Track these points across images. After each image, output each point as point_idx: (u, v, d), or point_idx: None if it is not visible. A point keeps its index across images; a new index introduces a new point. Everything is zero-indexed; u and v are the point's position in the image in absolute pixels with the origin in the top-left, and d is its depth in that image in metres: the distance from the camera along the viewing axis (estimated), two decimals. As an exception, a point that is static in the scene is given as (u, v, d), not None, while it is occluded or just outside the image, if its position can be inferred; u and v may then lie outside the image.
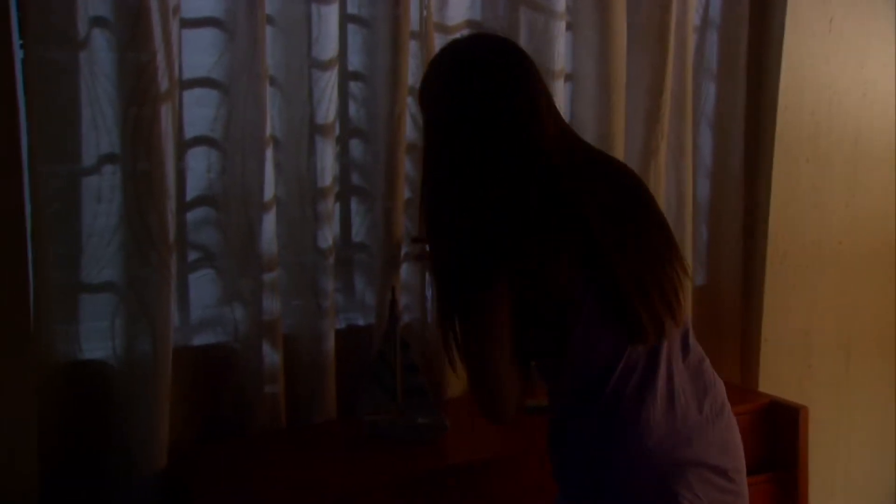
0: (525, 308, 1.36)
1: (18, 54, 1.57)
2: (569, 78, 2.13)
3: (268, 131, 1.76)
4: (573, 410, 1.41)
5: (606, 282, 1.35)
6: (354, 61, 1.90)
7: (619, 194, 1.42)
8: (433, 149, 1.43)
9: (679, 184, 2.29)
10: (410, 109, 1.90)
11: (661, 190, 2.23)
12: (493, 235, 1.33)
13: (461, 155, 1.37)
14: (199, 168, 1.79)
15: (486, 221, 1.34)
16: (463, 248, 1.35)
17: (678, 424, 1.39)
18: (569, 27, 2.10)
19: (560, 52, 2.04)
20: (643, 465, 1.36)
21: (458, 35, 1.92)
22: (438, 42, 1.95)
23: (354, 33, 1.89)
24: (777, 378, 2.45)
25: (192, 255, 1.82)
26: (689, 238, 2.31)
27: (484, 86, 1.36)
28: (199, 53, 1.75)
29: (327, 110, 1.83)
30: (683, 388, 1.41)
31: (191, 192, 1.80)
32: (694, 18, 2.27)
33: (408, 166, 1.92)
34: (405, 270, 1.97)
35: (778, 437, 1.99)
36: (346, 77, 1.90)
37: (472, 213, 1.35)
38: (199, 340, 1.83)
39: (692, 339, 1.47)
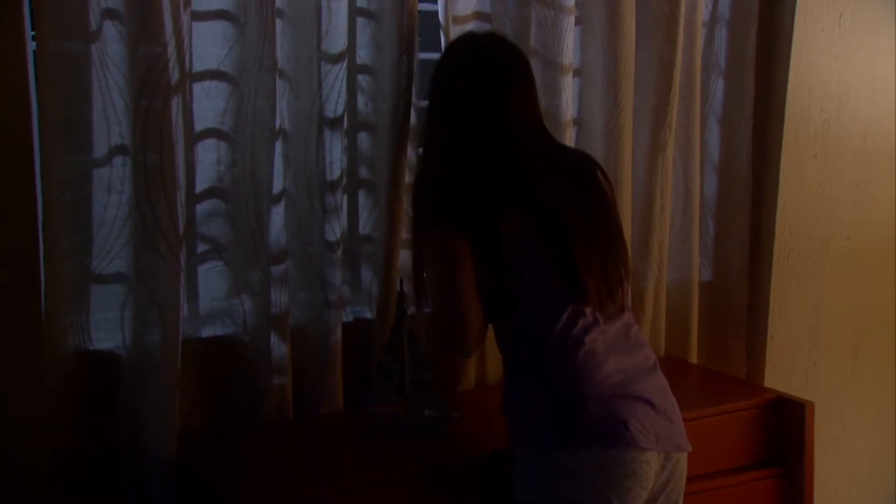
0: (484, 253, 1.57)
1: (30, 46, 1.58)
2: (577, 72, 2.13)
3: (277, 124, 1.77)
4: (525, 354, 1.58)
5: (558, 240, 1.57)
6: (363, 55, 1.90)
7: (577, 183, 1.65)
8: (427, 118, 1.73)
9: (686, 179, 2.29)
10: (417, 104, 1.90)
11: (669, 184, 2.23)
12: (459, 190, 1.59)
13: (445, 128, 1.67)
14: (209, 160, 1.80)
15: (455, 178, 1.60)
16: (434, 194, 1.62)
17: (622, 364, 1.57)
18: (577, 22, 2.10)
19: (569, 47, 2.04)
20: (592, 395, 1.52)
21: (471, 28, 1.94)
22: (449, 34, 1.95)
23: (363, 27, 1.89)
24: (783, 374, 2.45)
25: (201, 247, 1.83)
26: (696, 233, 2.31)
27: (468, 79, 1.65)
28: (210, 46, 1.75)
29: (336, 103, 1.83)
30: (621, 339, 1.60)
31: (200, 184, 1.80)
32: (703, 13, 2.26)
33: (414, 161, 1.93)
34: (405, 257, 1.96)
35: (783, 432, 2.00)
36: (354, 70, 1.91)
37: (445, 172, 1.63)
38: (207, 332, 1.84)
39: (628, 313, 1.66)
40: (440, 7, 1.95)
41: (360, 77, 1.92)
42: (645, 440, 1.51)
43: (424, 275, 1.69)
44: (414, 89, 1.89)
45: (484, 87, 1.63)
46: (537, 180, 1.61)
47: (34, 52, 1.58)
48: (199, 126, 1.78)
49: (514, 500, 1.57)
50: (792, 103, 2.36)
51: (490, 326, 1.68)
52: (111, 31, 1.61)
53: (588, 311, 1.57)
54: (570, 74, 2.07)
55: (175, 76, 1.63)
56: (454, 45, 1.78)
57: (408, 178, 1.93)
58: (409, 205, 1.83)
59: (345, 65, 1.84)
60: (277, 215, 1.80)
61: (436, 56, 1.84)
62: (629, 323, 1.65)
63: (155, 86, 1.61)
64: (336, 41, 1.82)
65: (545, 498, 1.53)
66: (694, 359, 2.33)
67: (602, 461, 1.50)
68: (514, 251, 1.57)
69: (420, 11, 2.03)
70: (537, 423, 1.55)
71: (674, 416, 1.59)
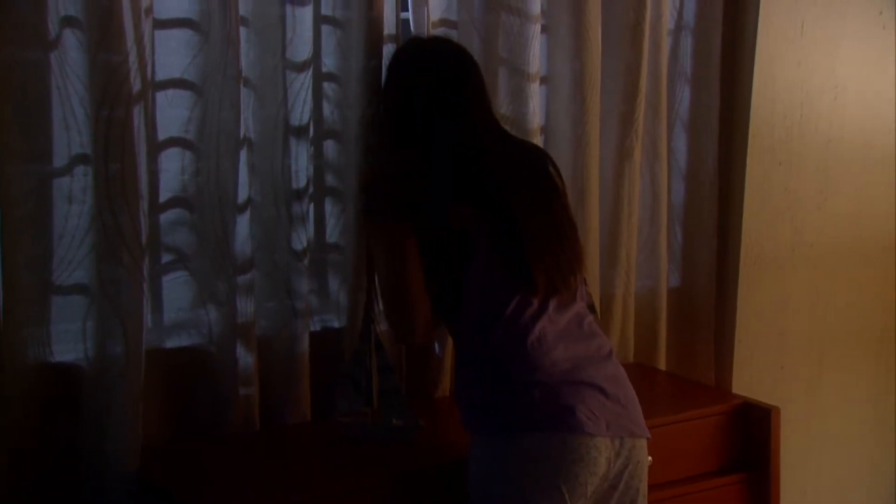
0: (431, 246, 1.59)
1: (-12, 54, 1.56)
2: (544, 80, 2.14)
3: (242, 133, 1.76)
4: (474, 344, 1.60)
5: (506, 233, 1.58)
6: (328, 63, 1.90)
7: (526, 175, 1.66)
8: (381, 117, 1.80)
9: (654, 185, 2.30)
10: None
11: (636, 191, 2.24)
12: (409, 184, 1.62)
13: (397, 127, 1.73)
14: (173, 169, 1.78)
15: (406, 173, 1.63)
16: (384, 186, 1.65)
17: (572, 352, 1.57)
18: (544, 30, 2.11)
19: (535, 55, 2.05)
20: (540, 381, 1.53)
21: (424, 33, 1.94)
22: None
23: (328, 34, 1.89)
24: (750, 379, 2.47)
25: (166, 257, 1.81)
26: (664, 239, 2.32)
27: (420, 79, 1.71)
28: (173, 54, 1.74)
29: (302, 112, 1.83)
30: (573, 329, 1.61)
31: (164, 194, 1.78)
32: (668, 21, 2.28)
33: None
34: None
35: (750, 437, 2.01)
36: (319, 78, 1.90)
37: (396, 166, 1.66)
38: (172, 343, 1.82)
39: (581, 303, 1.66)
40: (411, 14, 1.95)
41: (325, 85, 1.91)
42: (593, 426, 1.51)
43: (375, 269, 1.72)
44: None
45: (438, 89, 1.67)
46: (487, 174, 1.62)
47: (-8, 60, 1.56)
48: (163, 135, 1.76)
49: (467, 488, 1.57)
50: (756, 110, 2.39)
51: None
52: (70, 39, 1.59)
53: (535, 301, 1.58)
54: (537, 82, 2.07)
55: (137, 85, 1.61)
56: (407, 48, 1.82)
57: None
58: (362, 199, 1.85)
59: (310, 73, 1.83)
60: (243, 224, 1.79)
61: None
62: (582, 313, 1.65)
63: (116, 94, 1.59)
64: (301, 49, 1.81)
65: (494, 485, 1.53)
66: (662, 365, 2.34)
67: (549, 447, 1.50)
68: (462, 244, 1.59)
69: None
70: (486, 411, 1.56)
71: (627, 403, 1.59)
